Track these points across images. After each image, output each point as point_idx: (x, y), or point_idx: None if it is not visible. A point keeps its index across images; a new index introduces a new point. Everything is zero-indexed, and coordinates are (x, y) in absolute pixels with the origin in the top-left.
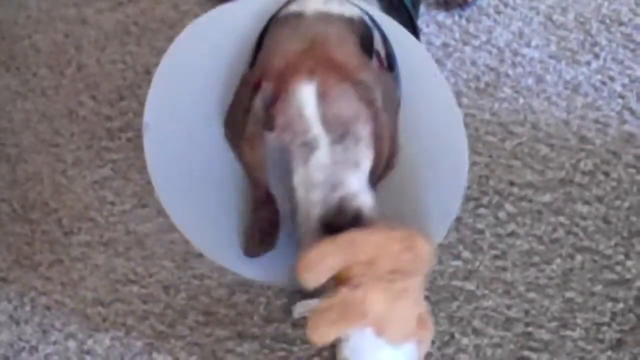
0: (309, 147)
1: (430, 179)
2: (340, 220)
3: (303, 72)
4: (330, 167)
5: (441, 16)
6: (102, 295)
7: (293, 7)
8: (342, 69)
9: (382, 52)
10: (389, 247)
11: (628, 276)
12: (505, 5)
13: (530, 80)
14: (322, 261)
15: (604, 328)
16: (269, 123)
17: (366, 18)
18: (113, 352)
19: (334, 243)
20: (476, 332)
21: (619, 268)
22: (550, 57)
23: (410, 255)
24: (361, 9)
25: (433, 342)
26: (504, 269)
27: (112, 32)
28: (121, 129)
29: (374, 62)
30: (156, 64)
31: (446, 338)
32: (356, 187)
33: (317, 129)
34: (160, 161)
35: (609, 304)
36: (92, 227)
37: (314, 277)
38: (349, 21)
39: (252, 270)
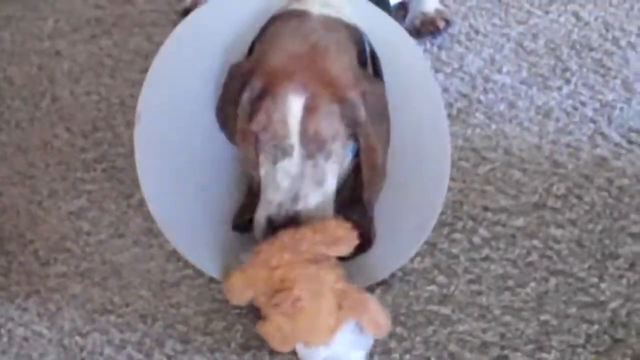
0: (282, 151)
1: (409, 193)
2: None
3: (296, 81)
4: (296, 178)
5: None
6: (80, 325)
7: (298, 5)
8: (334, 85)
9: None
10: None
11: (602, 298)
12: (477, 32)
13: (502, 106)
14: (240, 291)
15: (579, 350)
16: (250, 115)
17: (359, 23)
18: None
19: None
20: (452, 356)
21: (593, 290)
22: (522, 83)
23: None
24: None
25: None
26: (479, 293)
27: (86, 64)
28: (96, 160)
29: (369, 68)
30: (131, 95)
31: None
32: (315, 203)
33: (294, 139)
34: (149, 156)
35: (584, 326)
36: (68, 258)
37: (237, 302)
38: (350, 27)
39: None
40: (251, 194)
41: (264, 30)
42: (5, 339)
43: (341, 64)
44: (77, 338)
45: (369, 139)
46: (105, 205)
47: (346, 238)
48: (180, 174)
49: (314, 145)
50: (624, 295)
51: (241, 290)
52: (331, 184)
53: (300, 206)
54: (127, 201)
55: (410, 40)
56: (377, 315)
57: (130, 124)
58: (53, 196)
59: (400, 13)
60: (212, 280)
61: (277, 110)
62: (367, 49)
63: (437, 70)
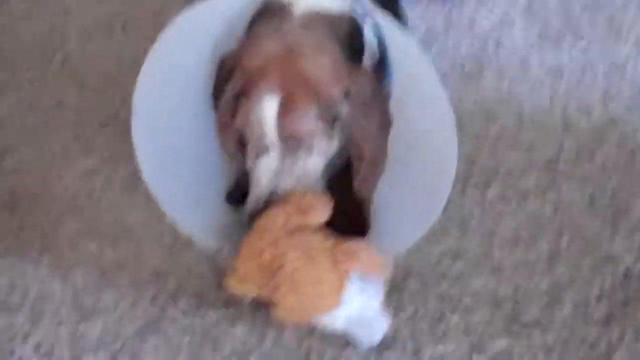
0: (260, 149)
1: (418, 173)
2: None
3: (271, 82)
4: (276, 174)
5: (425, 3)
6: (93, 282)
7: None
8: (310, 85)
9: (375, 43)
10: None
11: (615, 253)
12: None
13: (513, 66)
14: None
15: (593, 304)
16: (233, 112)
17: (355, 11)
18: (105, 337)
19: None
20: (466, 310)
21: (606, 246)
22: (533, 42)
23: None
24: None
25: (423, 321)
26: (492, 248)
27: (97, 22)
28: (109, 118)
29: (366, 58)
30: (142, 53)
31: (437, 316)
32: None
33: (272, 138)
34: (148, 143)
35: (597, 281)
36: (81, 217)
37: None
38: (337, 19)
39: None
40: (243, 172)
41: (252, 22)
42: (19, 296)
43: (318, 64)
44: (91, 294)
45: (355, 132)
46: (117, 164)
47: (316, 204)
48: (175, 151)
49: (292, 143)
50: (637, 251)
51: (242, 289)
52: (314, 177)
53: (277, 199)
54: None
55: (400, 29)
56: (373, 258)
57: None
58: (65, 155)
59: None
60: None
61: (253, 109)
62: (367, 35)
63: (448, 30)
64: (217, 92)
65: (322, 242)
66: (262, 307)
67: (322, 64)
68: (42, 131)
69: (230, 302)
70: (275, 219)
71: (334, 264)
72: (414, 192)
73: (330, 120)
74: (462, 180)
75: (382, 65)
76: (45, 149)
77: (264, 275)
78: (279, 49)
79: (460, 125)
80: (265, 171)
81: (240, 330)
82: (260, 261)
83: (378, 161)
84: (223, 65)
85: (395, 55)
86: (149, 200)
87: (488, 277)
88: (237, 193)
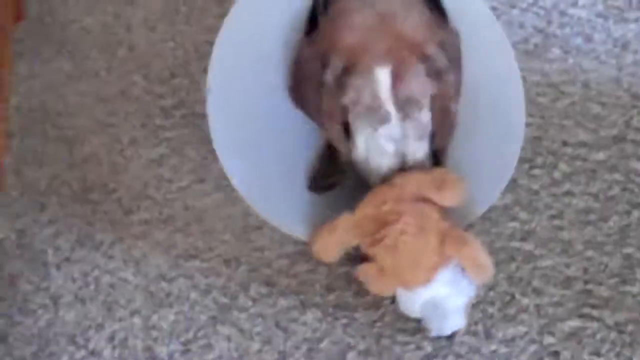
0: (380, 120)
1: (486, 138)
2: None
3: (378, 53)
4: (400, 140)
5: None
6: (165, 271)
7: None
8: (413, 45)
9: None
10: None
11: None
12: None
13: (578, 40)
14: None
15: None
16: (337, 94)
17: None
18: (178, 327)
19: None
20: (536, 291)
21: None
22: (598, 15)
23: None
24: None
25: (493, 303)
26: (561, 228)
27: (161, 12)
28: (174, 106)
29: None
30: (206, 41)
31: (507, 299)
32: (422, 156)
33: (389, 107)
34: (222, 125)
35: None
36: (151, 205)
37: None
38: None
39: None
40: (327, 158)
41: (325, 4)
42: (92, 287)
43: (413, 23)
44: (163, 284)
45: (445, 86)
46: (185, 151)
47: (453, 183)
48: (256, 140)
49: (408, 107)
50: None
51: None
52: (427, 136)
53: (411, 162)
54: (207, 147)
55: None
56: (479, 255)
57: (206, 70)
58: (133, 144)
59: None
60: None
61: (366, 85)
62: None
63: (512, 6)
64: (303, 84)
65: (438, 221)
66: (332, 291)
67: (416, 22)
68: (110, 121)
69: (300, 290)
70: (410, 181)
71: (441, 245)
72: (484, 156)
73: (435, 75)
74: (529, 160)
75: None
76: (113, 139)
77: (377, 224)
78: (372, 18)
79: (527, 101)
80: (389, 140)
81: (311, 317)
82: (378, 210)
83: (455, 120)
84: (311, 54)
85: (463, 20)
86: (218, 186)
87: (557, 257)
88: (320, 181)
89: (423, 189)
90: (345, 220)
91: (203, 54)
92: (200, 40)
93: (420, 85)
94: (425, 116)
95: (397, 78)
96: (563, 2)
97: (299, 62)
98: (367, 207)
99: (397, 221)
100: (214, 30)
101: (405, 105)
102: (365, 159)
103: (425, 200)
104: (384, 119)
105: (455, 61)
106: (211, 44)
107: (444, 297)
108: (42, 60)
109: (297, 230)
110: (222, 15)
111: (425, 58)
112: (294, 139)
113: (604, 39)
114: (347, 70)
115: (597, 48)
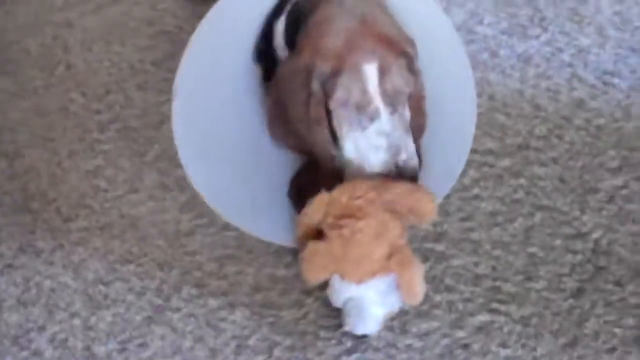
0: (369, 117)
1: (437, 142)
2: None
3: (364, 50)
4: (391, 134)
5: None
6: (102, 275)
7: None
8: (394, 44)
9: None
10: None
11: (584, 230)
12: None
13: (485, 55)
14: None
15: (565, 278)
16: (324, 99)
17: None
18: (115, 328)
19: None
20: (448, 289)
21: (575, 223)
22: (503, 32)
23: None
24: None
25: None
26: (471, 229)
27: (97, 33)
28: (110, 121)
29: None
30: (139, 60)
31: None
32: (412, 149)
33: (378, 102)
34: (186, 129)
35: (569, 256)
36: (89, 214)
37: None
38: None
39: (271, 233)
40: (309, 167)
41: (297, 24)
42: (34, 291)
43: (391, 25)
44: (101, 287)
45: (420, 86)
46: (121, 163)
47: (429, 215)
48: (223, 150)
49: (396, 100)
50: (605, 226)
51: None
52: (410, 130)
53: (404, 156)
54: (141, 158)
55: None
56: (416, 282)
57: (140, 87)
58: (72, 157)
59: None
60: (224, 227)
61: (354, 82)
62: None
63: None
64: (289, 107)
65: (396, 237)
66: (259, 292)
67: (393, 24)
68: (49, 135)
69: (229, 291)
70: (390, 190)
71: (388, 257)
72: (435, 153)
73: (415, 72)
74: None
75: None
76: (52, 152)
77: (343, 211)
78: (354, 22)
79: None
80: (380, 136)
81: (239, 316)
82: (350, 202)
83: (426, 120)
84: (294, 71)
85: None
86: (151, 195)
87: (467, 257)
88: (299, 188)
89: (397, 204)
90: (321, 198)
91: (136, 71)
92: (134, 59)
93: (403, 79)
94: (407, 112)
95: (383, 73)
96: (471, 20)
97: (278, 82)
98: (343, 194)
99: (361, 219)
100: (147, 49)
101: (392, 99)
102: (355, 162)
103: (395, 212)
104: (374, 115)
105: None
106: (144, 62)
107: (369, 301)
108: None
109: (279, 238)
110: (154, 36)
111: (405, 54)
112: (257, 143)
113: (509, 54)
114: (335, 73)
115: (502, 63)
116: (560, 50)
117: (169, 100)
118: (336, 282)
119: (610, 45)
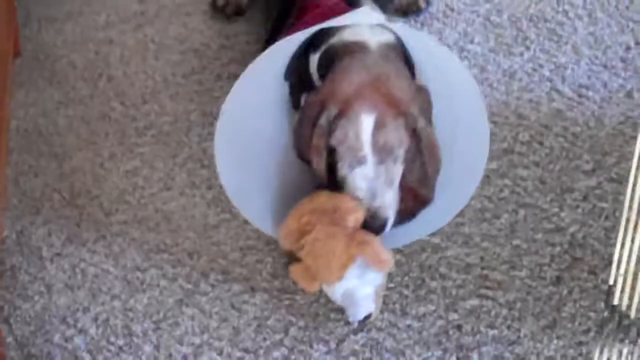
0: (358, 160)
1: (449, 176)
2: (371, 223)
3: (367, 103)
4: (372, 180)
5: (400, 21)
6: (139, 262)
7: (353, 35)
8: (397, 104)
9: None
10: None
11: (562, 225)
12: (452, 10)
13: (475, 71)
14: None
15: (545, 268)
16: (328, 134)
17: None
18: (150, 309)
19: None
20: (442, 276)
21: (554, 219)
22: (490, 50)
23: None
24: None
25: (407, 286)
26: (462, 224)
27: (134, 49)
28: (146, 127)
29: (417, 74)
30: (172, 74)
31: (419, 282)
32: (389, 200)
33: (367, 150)
34: (225, 143)
35: (548, 248)
36: (127, 208)
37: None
38: (397, 46)
39: None
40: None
41: (328, 63)
42: (79, 277)
43: (400, 87)
44: (138, 273)
45: (430, 139)
46: (155, 164)
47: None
48: (256, 165)
49: (384, 153)
50: (580, 222)
51: (286, 242)
52: (397, 184)
53: (378, 203)
54: (173, 160)
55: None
56: (380, 252)
57: (172, 97)
58: (112, 158)
59: None
60: (246, 222)
61: (351, 127)
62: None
63: None
64: (304, 126)
65: (344, 228)
66: (277, 278)
67: (403, 86)
68: (93, 139)
69: (250, 278)
70: (344, 216)
71: (347, 247)
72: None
73: (412, 132)
74: None
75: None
76: (96, 154)
77: (299, 234)
78: (368, 77)
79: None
80: (363, 179)
81: (259, 299)
82: (299, 223)
83: (440, 155)
84: (313, 101)
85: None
86: (182, 193)
87: (459, 248)
88: None
89: (346, 231)
90: (280, 229)
91: (169, 83)
92: (167, 72)
93: (397, 136)
94: (397, 168)
95: (378, 126)
96: (462, 40)
97: (303, 108)
98: (291, 221)
99: (311, 231)
100: (178, 64)
101: (382, 152)
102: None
103: (335, 213)
104: (362, 160)
105: (428, 118)
106: (176, 75)
107: (354, 288)
108: (36, 90)
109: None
110: (184, 52)
111: (405, 115)
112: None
113: (495, 70)
114: (340, 115)
115: (489, 77)
116: (541, 66)
117: (197, 110)
118: (326, 288)
119: (585, 62)
